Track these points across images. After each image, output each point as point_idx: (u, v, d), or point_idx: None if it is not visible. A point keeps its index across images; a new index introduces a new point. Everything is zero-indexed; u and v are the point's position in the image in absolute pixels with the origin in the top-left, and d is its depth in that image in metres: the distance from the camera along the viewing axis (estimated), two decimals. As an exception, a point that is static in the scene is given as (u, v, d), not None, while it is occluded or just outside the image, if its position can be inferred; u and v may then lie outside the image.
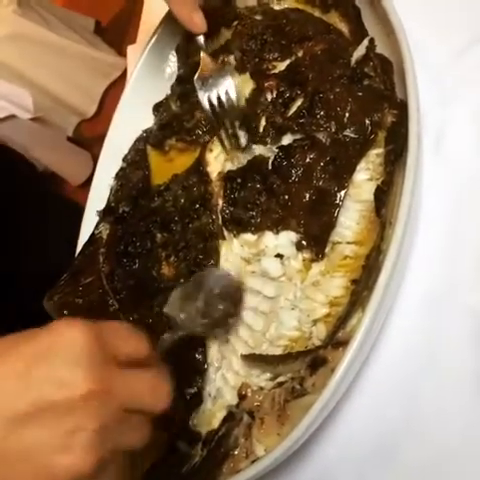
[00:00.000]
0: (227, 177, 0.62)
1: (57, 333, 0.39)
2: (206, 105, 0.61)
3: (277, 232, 0.57)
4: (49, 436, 0.37)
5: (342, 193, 0.55)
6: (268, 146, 0.61)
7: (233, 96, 0.60)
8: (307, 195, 0.56)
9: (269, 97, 0.62)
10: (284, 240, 0.56)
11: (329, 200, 0.55)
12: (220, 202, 0.63)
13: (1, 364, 0.38)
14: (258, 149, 0.62)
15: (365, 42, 0.59)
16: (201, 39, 0.65)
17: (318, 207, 0.55)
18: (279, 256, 0.56)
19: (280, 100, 0.62)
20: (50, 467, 0.37)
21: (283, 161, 0.58)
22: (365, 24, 0.61)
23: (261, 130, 0.62)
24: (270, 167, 0.59)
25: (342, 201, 0.55)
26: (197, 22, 0.63)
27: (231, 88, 0.60)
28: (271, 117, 0.61)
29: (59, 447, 0.37)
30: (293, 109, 0.61)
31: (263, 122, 0.62)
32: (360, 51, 0.59)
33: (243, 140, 0.60)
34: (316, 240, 0.55)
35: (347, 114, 0.56)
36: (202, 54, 0.65)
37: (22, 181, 0.91)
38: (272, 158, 0.59)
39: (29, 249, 0.47)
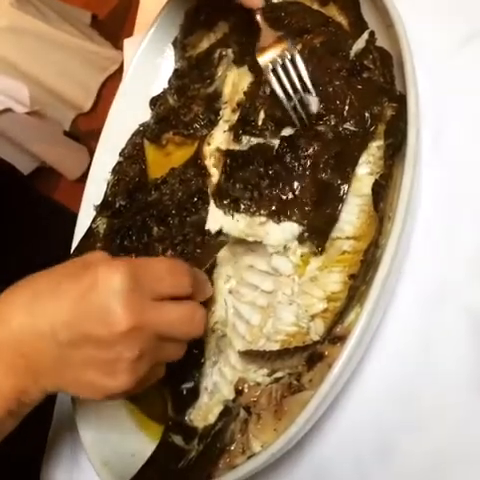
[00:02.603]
0: (228, 153, 0.61)
1: (96, 274, 0.44)
2: (272, 79, 0.57)
3: (279, 222, 0.56)
4: (95, 362, 0.44)
5: (345, 187, 0.54)
6: (268, 139, 0.61)
7: (299, 62, 0.57)
8: (311, 187, 0.55)
9: (268, 90, 0.62)
10: (287, 231, 0.56)
11: (333, 193, 0.54)
12: (215, 174, 0.63)
13: (49, 301, 0.44)
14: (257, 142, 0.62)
15: (365, 35, 0.58)
16: (259, 13, 0.62)
17: (322, 200, 0.55)
18: (285, 248, 0.56)
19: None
20: (100, 386, 0.45)
21: (287, 151, 0.57)
22: (364, 17, 0.61)
23: (260, 123, 0.62)
24: (274, 154, 0.58)
25: (346, 195, 0.54)
26: None
27: (296, 55, 0.57)
28: (270, 110, 0.61)
29: (104, 372, 0.44)
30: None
31: (262, 115, 0.62)
32: (360, 44, 0.58)
33: (314, 105, 0.56)
34: (318, 233, 0.54)
35: (346, 107, 0.56)
36: (262, 28, 0.61)
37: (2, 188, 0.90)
38: (276, 146, 0.58)
39: (18, 255, 0.49)
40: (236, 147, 0.63)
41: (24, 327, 0.44)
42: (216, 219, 0.61)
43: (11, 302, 0.45)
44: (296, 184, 0.56)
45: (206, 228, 0.61)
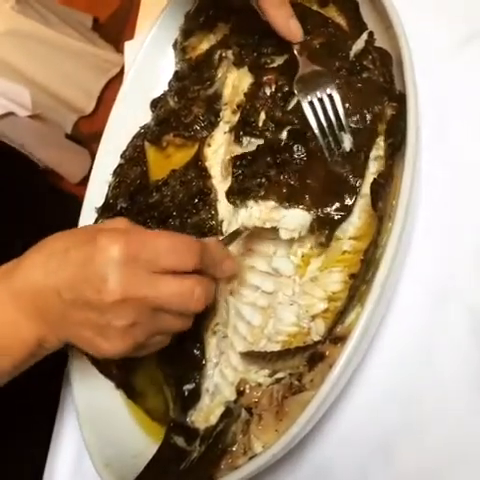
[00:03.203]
0: (235, 156, 0.61)
1: (98, 245, 0.46)
2: (307, 109, 0.57)
3: (288, 207, 0.55)
4: (90, 324, 0.47)
5: (359, 181, 0.54)
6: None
7: (337, 99, 0.56)
8: (322, 176, 0.55)
9: (268, 91, 0.62)
10: (298, 218, 0.55)
11: (346, 186, 0.54)
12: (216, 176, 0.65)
13: (60, 263, 0.47)
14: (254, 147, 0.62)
15: (364, 36, 0.58)
16: (297, 47, 0.61)
17: (334, 190, 0.54)
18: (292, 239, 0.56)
19: (279, 94, 0.62)
20: (95, 345, 0.48)
21: (295, 141, 0.57)
22: (364, 18, 0.61)
23: (261, 124, 0.62)
24: (282, 145, 0.58)
25: (360, 189, 0.54)
26: (294, 30, 0.61)
27: (334, 91, 0.56)
28: (270, 111, 0.61)
29: (98, 334, 0.47)
30: (293, 103, 0.61)
31: (263, 116, 0.62)
32: (359, 45, 0.58)
33: (347, 143, 0.55)
34: (329, 224, 0.54)
35: (347, 106, 0.56)
36: (301, 61, 0.60)
37: (21, 175, 0.92)
38: (285, 137, 0.58)
39: (29, 242, 0.50)
40: (237, 148, 0.64)
41: (38, 283, 0.48)
42: (230, 218, 0.62)
43: (32, 258, 0.49)
44: (306, 171, 0.56)
45: (224, 231, 0.62)
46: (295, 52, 0.61)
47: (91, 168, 0.80)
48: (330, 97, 0.56)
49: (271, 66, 0.65)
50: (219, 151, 0.66)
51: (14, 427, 0.69)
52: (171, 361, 0.59)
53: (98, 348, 0.48)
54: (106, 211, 0.74)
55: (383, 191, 0.51)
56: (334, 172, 0.55)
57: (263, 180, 0.57)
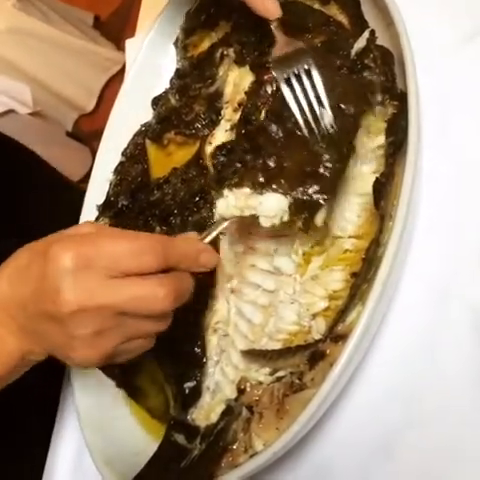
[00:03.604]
0: (216, 147, 0.61)
1: (49, 256, 0.45)
2: (286, 90, 0.55)
3: (262, 193, 0.53)
4: (55, 336, 0.46)
5: (339, 164, 0.52)
6: None
7: (315, 74, 0.54)
8: (300, 158, 0.53)
9: (269, 89, 0.62)
10: (275, 203, 0.52)
11: (326, 166, 0.52)
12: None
13: (23, 276, 0.47)
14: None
15: (366, 34, 0.58)
16: (275, 24, 0.60)
17: (313, 172, 0.52)
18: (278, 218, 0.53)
19: (280, 92, 0.61)
20: (65, 357, 0.48)
21: (272, 121, 0.55)
22: (365, 15, 0.61)
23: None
24: (260, 127, 0.56)
25: (341, 170, 0.52)
26: (269, 7, 0.59)
27: (313, 67, 0.54)
28: (271, 109, 0.61)
29: (65, 346, 0.46)
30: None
31: (263, 114, 0.62)
32: (360, 43, 0.58)
33: (328, 120, 0.53)
34: (308, 208, 0.51)
35: (342, 93, 0.55)
36: (278, 38, 0.60)
37: (20, 167, 0.92)
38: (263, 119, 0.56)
39: (33, 234, 0.50)
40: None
41: (6, 295, 0.48)
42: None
43: (4, 268, 0.49)
44: (284, 154, 0.53)
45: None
46: (272, 29, 0.60)
47: (92, 166, 0.80)
48: (308, 73, 0.55)
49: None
50: (220, 149, 0.66)
51: (14, 426, 0.69)
52: (172, 359, 0.59)
53: (70, 359, 0.48)
54: (107, 209, 0.74)
55: (385, 190, 0.51)
56: (314, 153, 0.52)
57: (238, 166, 0.55)
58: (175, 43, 0.80)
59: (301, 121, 0.54)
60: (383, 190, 0.51)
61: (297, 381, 0.51)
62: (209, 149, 0.67)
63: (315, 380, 0.49)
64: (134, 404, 0.64)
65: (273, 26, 0.60)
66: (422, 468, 0.49)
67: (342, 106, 0.54)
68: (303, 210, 0.52)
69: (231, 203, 0.54)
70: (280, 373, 0.53)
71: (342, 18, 0.63)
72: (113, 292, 0.45)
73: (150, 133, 0.75)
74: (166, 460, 0.56)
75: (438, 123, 0.57)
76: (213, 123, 0.68)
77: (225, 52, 0.71)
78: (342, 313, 0.50)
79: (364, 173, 0.55)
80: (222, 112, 0.68)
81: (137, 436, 0.61)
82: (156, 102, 0.78)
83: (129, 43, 0.95)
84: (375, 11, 0.59)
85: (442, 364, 0.50)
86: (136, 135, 0.78)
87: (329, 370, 0.46)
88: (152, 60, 0.80)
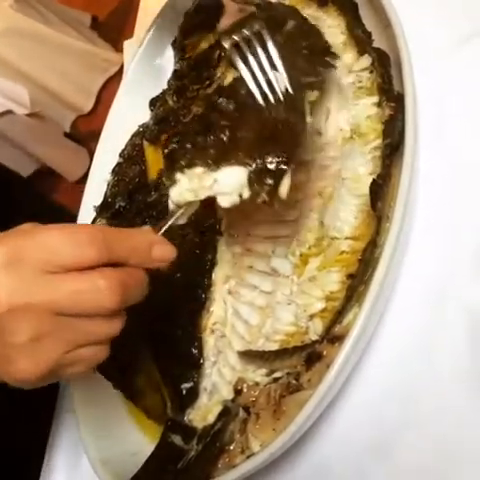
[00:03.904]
0: (168, 135, 0.58)
1: None
2: (235, 56, 0.50)
3: (217, 169, 0.48)
4: None
5: (300, 124, 0.48)
6: None
7: (266, 37, 0.50)
8: (256, 125, 0.49)
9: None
10: (231, 179, 0.48)
11: (285, 132, 0.48)
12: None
13: None
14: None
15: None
16: None
17: (272, 137, 0.48)
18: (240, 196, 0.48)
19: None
20: (4, 373, 0.40)
21: (221, 98, 0.52)
22: (363, 17, 0.61)
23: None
24: (211, 104, 0.53)
25: (305, 133, 0.48)
26: None
27: (263, 30, 0.50)
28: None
29: (1, 358, 0.39)
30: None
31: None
32: (363, 63, 0.59)
33: (282, 84, 0.49)
34: (271, 176, 0.47)
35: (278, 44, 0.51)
36: (228, 5, 0.56)
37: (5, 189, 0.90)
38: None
39: None
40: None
41: None
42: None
43: None
44: (237, 125, 0.49)
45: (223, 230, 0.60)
46: None
47: (89, 167, 0.80)
48: (259, 36, 0.50)
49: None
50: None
51: (12, 425, 0.69)
52: (169, 360, 0.59)
53: (9, 374, 0.40)
54: (104, 210, 0.74)
55: (382, 191, 0.51)
56: (270, 119, 0.49)
57: (188, 146, 0.50)
58: (173, 44, 0.80)
59: (254, 88, 0.50)
60: (380, 191, 0.51)
61: (294, 382, 0.51)
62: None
63: (312, 381, 0.49)
64: (131, 405, 0.64)
65: None
66: (419, 468, 0.49)
67: (296, 66, 0.50)
68: (265, 180, 0.47)
69: (184, 187, 0.50)
70: (277, 374, 0.53)
71: (340, 20, 0.63)
72: (49, 288, 0.39)
73: (148, 134, 0.75)
74: (163, 461, 0.56)
75: (435, 125, 0.57)
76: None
77: (223, 53, 0.71)
78: (339, 314, 0.50)
79: (361, 174, 0.55)
80: (220, 113, 0.68)
81: (134, 437, 0.62)
82: (154, 103, 0.78)
83: (127, 44, 0.95)
84: (372, 13, 0.59)
85: (438, 365, 0.50)
86: (134, 136, 0.78)
87: (326, 371, 0.46)
88: (150, 61, 0.81)
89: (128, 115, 0.79)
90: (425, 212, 0.55)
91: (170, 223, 0.49)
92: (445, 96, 0.58)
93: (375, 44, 0.59)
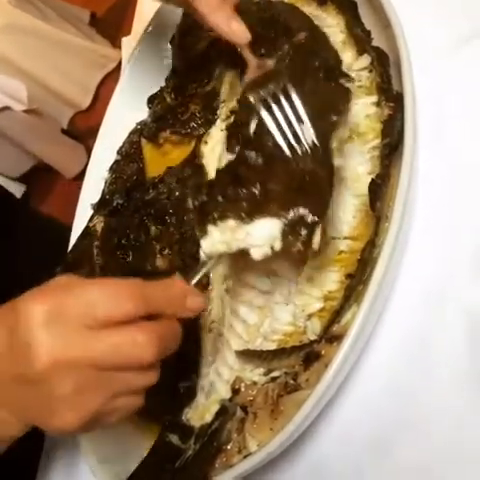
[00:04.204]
0: (196, 186, 0.59)
1: (17, 310, 0.41)
2: (264, 112, 0.52)
3: (251, 221, 0.49)
4: (33, 402, 0.42)
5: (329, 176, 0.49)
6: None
7: (292, 92, 0.51)
8: (285, 177, 0.50)
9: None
10: (266, 229, 0.49)
11: (314, 183, 0.49)
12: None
13: None
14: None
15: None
16: (246, 49, 0.58)
17: (303, 188, 0.49)
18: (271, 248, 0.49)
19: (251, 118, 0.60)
20: (46, 425, 0.42)
21: (249, 150, 0.52)
22: (362, 17, 0.61)
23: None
24: (237, 158, 0.53)
25: (333, 183, 0.49)
26: (237, 31, 0.56)
27: (289, 85, 0.51)
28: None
29: (44, 411, 0.41)
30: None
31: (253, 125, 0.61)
32: (362, 62, 0.59)
33: (309, 136, 0.50)
34: (305, 226, 0.48)
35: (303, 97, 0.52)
36: (249, 62, 0.58)
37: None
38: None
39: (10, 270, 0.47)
40: (229, 157, 0.63)
41: None
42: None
43: None
44: (267, 177, 0.50)
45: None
46: (244, 54, 0.58)
47: (87, 163, 0.79)
48: (285, 91, 0.52)
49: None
50: (216, 148, 0.66)
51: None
52: (166, 359, 0.59)
53: (51, 425, 0.42)
54: (102, 207, 0.74)
55: (381, 191, 0.51)
56: (298, 171, 0.50)
57: (220, 199, 0.51)
58: (171, 42, 0.79)
59: (282, 141, 0.51)
60: (379, 191, 0.51)
61: (292, 382, 0.51)
62: (205, 148, 0.67)
63: (310, 381, 0.49)
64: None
65: (243, 51, 0.58)
66: (418, 467, 0.49)
67: (321, 117, 0.51)
68: (299, 231, 0.48)
69: (217, 239, 0.51)
70: (275, 373, 0.53)
71: (339, 19, 0.63)
72: (89, 343, 0.40)
73: (146, 132, 0.75)
74: (160, 460, 0.56)
75: (434, 124, 0.57)
76: (209, 122, 0.68)
77: (220, 52, 0.70)
78: (337, 314, 0.50)
79: (360, 174, 0.55)
80: (218, 111, 0.68)
81: (131, 435, 0.61)
82: (152, 101, 0.78)
83: (125, 41, 0.95)
84: (371, 12, 0.59)
85: (437, 365, 0.50)
86: (132, 133, 0.77)
87: (324, 371, 0.46)
88: (148, 58, 0.80)
89: (126, 112, 0.79)
90: (424, 212, 0.55)
91: (201, 274, 0.50)
92: (444, 96, 0.58)
93: (374, 43, 0.59)
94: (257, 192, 0.50)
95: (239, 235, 0.50)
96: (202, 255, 0.52)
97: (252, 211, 0.49)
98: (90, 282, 0.43)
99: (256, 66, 0.57)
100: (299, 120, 0.51)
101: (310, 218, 0.48)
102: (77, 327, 0.40)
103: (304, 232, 0.48)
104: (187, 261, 0.61)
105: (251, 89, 0.53)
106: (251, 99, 0.52)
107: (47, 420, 0.42)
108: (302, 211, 0.48)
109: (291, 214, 0.48)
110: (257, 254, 0.49)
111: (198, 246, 0.53)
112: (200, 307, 0.47)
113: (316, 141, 0.50)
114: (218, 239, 0.51)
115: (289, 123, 0.51)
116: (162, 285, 0.46)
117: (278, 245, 0.48)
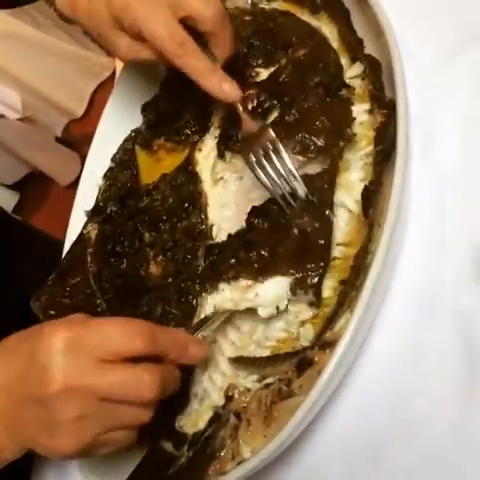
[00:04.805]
0: (206, 248, 0.61)
1: (42, 334, 0.45)
2: (258, 171, 0.56)
3: (264, 280, 0.54)
4: (37, 421, 0.45)
5: (329, 229, 0.53)
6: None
7: (284, 155, 0.55)
8: (289, 239, 0.54)
9: (249, 106, 0.62)
10: (276, 288, 0.53)
11: (316, 240, 0.53)
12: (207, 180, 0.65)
13: (11, 357, 0.47)
14: (238, 162, 0.62)
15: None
16: (238, 105, 0.59)
17: (306, 247, 0.53)
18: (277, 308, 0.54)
19: (259, 109, 0.62)
20: (42, 446, 0.46)
21: (256, 218, 0.57)
22: (354, 25, 0.61)
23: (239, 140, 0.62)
24: (246, 227, 0.58)
25: (330, 239, 0.53)
26: (229, 92, 0.57)
27: (278, 144, 0.56)
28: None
29: (45, 432, 0.45)
30: (270, 119, 0.61)
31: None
32: (355, 70, 0.59)
33: (301, 191, 0.55)
34: (311, 281, 0.52)
35: (315, 128, 0.56)
36: (243, 118, 0.59)
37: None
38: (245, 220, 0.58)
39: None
40: (220, 164, 0.64)
41: None
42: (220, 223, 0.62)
43: None
44: (274, 241, 0.55)
45: (214, 235, 0.62)
46: (238, 111, 0.59)
47: (81, 171, 0.80)
48: (276, 151, 0.56)
49: (255, 80, 0.65)
50: (210, 156, 0.66)
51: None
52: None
53: (47, 448, 0.46)
54: (96, 214, 0.74)
55: (374, 198, 0.51)
56: (301, 229, 0.54)
57: (233, 261, 0.56)
58: (165, 50, 0.79)
59: (279, 199, 0.55)
60: (372, 198, 0.52)
61: (285, 388, 0.51)
62: (199, 155, 0.67)
63: (303, 387, 0.49)
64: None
65: (238, 108, 0.59)
66: (411, 470, 0.49)
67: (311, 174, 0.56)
68: (308, 286, 0.52)
69: (226, 296, 0.55)
70: (268, 380, 0.53)
71: (331, 27, 0.63)
72: (99, 375, 0.44)
73: (140, 139, 0.75)
74: (153, 467, 0.56)
75: (424, 135, 0.57)
76: (203, 130, 0.69)
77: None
78: (330, 320, 0.50)
79: (353, 181, 0.55)
80: (212, 119, 0.68)
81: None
82: (146, 108, 0.78)
83: (119, 49, 0.95)
84: (365, 21, 0.60)
85: (430, 369, 0.50)
86: (126, 141, 0.77)
87: (317, 377, 0.46)
88: (142, 66, 0.80)
89: (120, 120, 0.79)
90: (417, 218, 0.55)
91: (204, 328, 0.54)
92: (435, 108, 0.58)
93: (367, 50, 0.59)
94: (267, 254, 0.55)
95: (249, 295, 0.54)
96: (208, 309, 0.57)
97: (264, 271, 0.54)
98: (106, 319, 0.49)
99: (249, 121, 0.59)
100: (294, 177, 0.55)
101: (316, 272, 0.52)
102: (92, 358, 0.44)
103: (313, 287, 0.52)
104: (180, 268, 0.62)
105: (244, 146, 0.59)
106: (250, 159, 0.57)
107: (45, 442, 0.45)
108: (309, 266, 0.52)
109: (298, 270, 0.53)
110: (264, 314, 0.54)
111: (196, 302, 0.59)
112: (200, 356, 0.51)
113: (310, 196, 0.55)
114: (228, 297, 0.55)
115: (285, 180, 0.56)
116: (169, 330, 0.51)
117: (283, 306, 0.53)
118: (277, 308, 0.53)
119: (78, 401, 0.44)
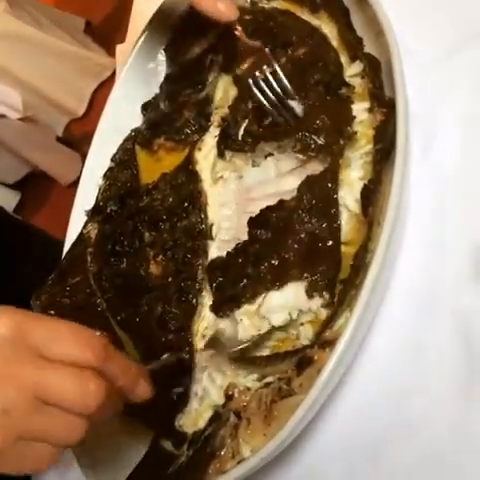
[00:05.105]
0: (208, 267, 0.60)
1: None
2: (255, 90, 0.57)
3: (279, 288, 0.53)
4: None
5: (336, 226, 0.53)
6: (248, 155, 0.62)
7: (281, 75, 0.57)
8: (296, 244, 0.54)
9: (250, 104, 0.62)
10: (291, 294, 0.53)
11: (325, 240, 0.53)
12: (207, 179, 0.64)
13: None
14: (238, 160, 0.63)
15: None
16: (235, 26, 0.58)
17: (316, 250, 0.53)
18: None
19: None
20: None
21: (258, 229, 0.56)
22: (354, 24, 0.61)
23: (240, 138, 0.62)
24: (248, 239, 0.57)
25: (339, 234, 0.53)
26: (225, 11, 0.57)
27: (277, 68, 0.57)
28: (249, 125, 0.62)
29: None
30: (270, 118, 0.61)
31: (242, 130, 0.62)
32: (355, 69, 0.59)
33: (298, 109, 0.56)
34: (325, 282, 0.52)
35: (315, 127, 0.56)
36: (241, 40, 0.59)
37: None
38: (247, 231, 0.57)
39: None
40: (220, 163, 0.64)
41: None
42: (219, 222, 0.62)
43: None
44: (280, 248, 0.54)
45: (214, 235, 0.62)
46: (235, 32, 0.59)
47: (82, 171, 0.80)
48: (273, 72, 0.57)
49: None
50: (209, 155, 0.66)
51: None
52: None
53: None
54: (96, 214, 0.74)
55: (373, 196, 0.51)
56: (309, 233, 0.54)
57: (245, 281, 0.55)
58: (165, 49, 0.80)
59: (276, 116, 0.56)
60: (371, 196, 0.52)
61: (285, 387, 0.51)
62: (198, 155, 0.67)
63: (303, 386, 0.49)
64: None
65: (235, 29, 0.59)
66: (411, 469, 0.49)
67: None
68: (322, 289, 0.52)
69: (246, 324, 0.55)
70: (268, 379, 0.53)
71: (331, 26, 0.63)
72: (41, 370, 0.40)
73: (140, 138, 0.75)
74: (153, 467, 0.56)
75: (424, 134, 0.57)
76: (202, 129, 0.69)
77: (214, 58, 0.71)
78: (330, 319, 0.50)
79: (352, 180, 0.55)
80: (211, 118, 0.68)
81: (124, 442, 0.61)
82: (146, 107, 0.78)
83: (119, 48, 0.95)
84: (364, 19, 0.59)
85: (430, 368, 0.50)
86: (126, 140, 0.77)
87: (317, 376, 0.46)
88: (142, 66, 0.80)
89: (120, 119, 0.79)
90: (416, 217, 0.55)
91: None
92: (435, 107, 0.58)
93: (366, 49, 0.59)
94: (277, 263, 0.54)
95: (265, 311, 0.54)
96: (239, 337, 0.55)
97: (277, 280, 0.53)
98: (62, 320, 0.43)
99: (247, 44, 0.59)
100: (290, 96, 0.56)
101: (328, 272, 0.52)
102: (35, 352, 0.40)
103: (327, 283, 0.52)
104: (180, 267, 0.62)
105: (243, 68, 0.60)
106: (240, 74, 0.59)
107: None
108: (321, 268, 0.52)
109: (311, 273, 0.52)
110: (277, 321, 0.53)
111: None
112: (144, 396, 0.47)
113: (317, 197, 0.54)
114: (247, 323, 0.55)
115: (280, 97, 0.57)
116: (126, 359, 0.46)
117: (295, 315, 0.53)
118: (290, 314, 0.53)
119: (7, 391, 0.39)
